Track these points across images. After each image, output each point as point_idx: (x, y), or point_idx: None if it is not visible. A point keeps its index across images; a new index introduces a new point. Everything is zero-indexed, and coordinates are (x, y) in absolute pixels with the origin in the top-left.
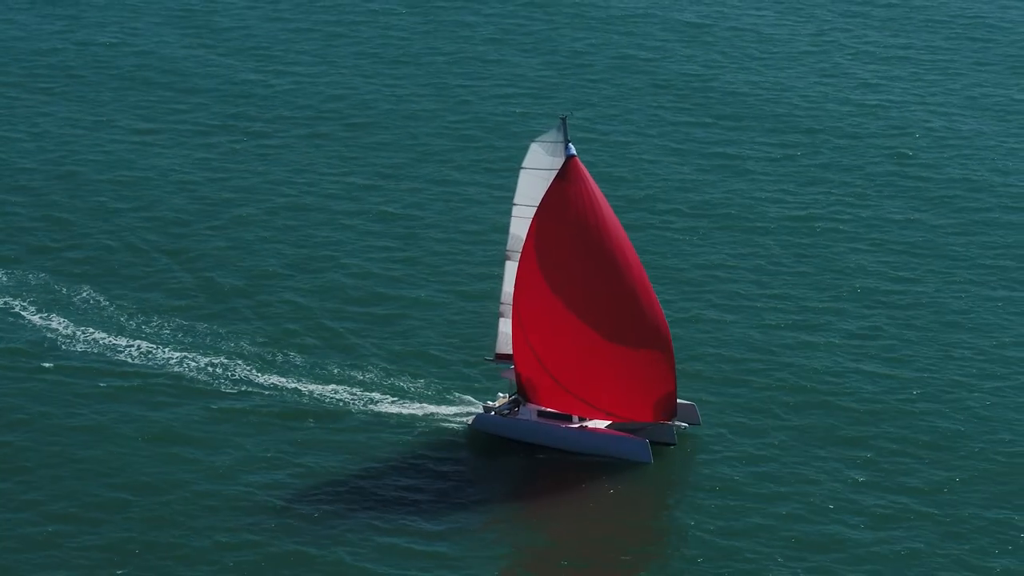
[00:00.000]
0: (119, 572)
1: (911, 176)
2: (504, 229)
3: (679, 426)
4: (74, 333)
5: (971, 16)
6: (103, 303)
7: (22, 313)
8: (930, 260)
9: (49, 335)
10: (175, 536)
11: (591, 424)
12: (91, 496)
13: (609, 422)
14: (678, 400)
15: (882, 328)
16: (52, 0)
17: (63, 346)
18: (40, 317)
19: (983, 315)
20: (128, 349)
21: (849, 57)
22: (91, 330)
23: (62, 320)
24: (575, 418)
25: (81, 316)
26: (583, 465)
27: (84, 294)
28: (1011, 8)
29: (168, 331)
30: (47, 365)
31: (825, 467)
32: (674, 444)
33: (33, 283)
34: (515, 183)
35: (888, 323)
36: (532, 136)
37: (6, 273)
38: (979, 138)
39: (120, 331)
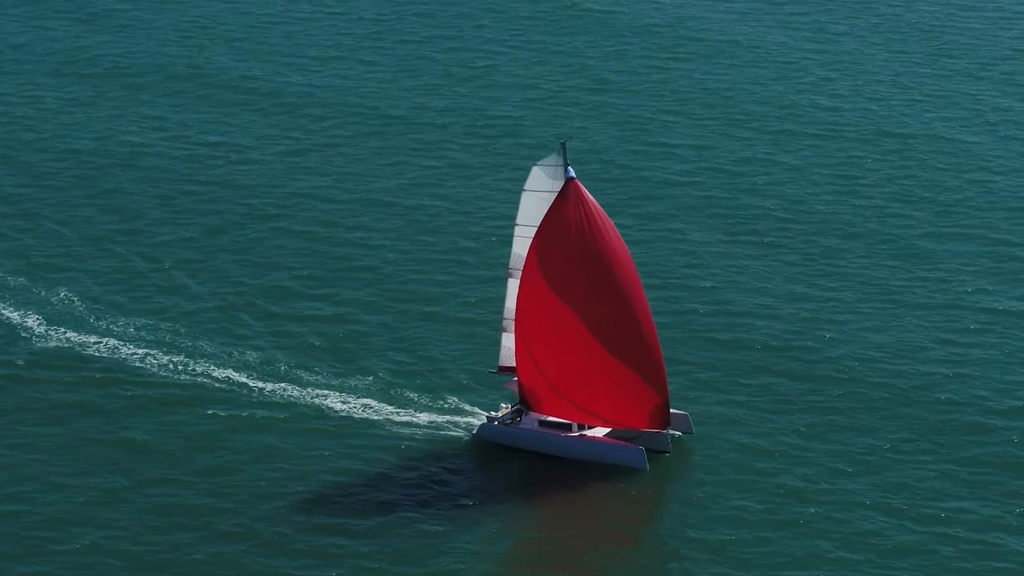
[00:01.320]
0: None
1: (906, 174)
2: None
3: (673, 434)
4: (47, 332)
5: (957, 27)
6: (77, 303)
7: (3, 312)
8: (928, 271)
9: (23, 334)
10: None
11: (590, 432)
12: (47, 496)
13: (607, 430)
14: (672, 410)
15: (873, 339)
16: (58, 8)
17: (37, 345)
18: (17, 315)
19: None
20: (107, 349)
21: (842, 69)
22: (63, 330)
23: (37, 318)
24: (575, 427)
25: (56, 316)
26: (582, 471)
27: (61, 294)
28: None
29: (165, 337)
30: (19, 362)
31: (818, 471)
32: (669, 452)
33: (12, 285)
34: (517, 205)
35: (881, 330)
36: (534, 159)
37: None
38: (964, 146)
39: (111, 336)
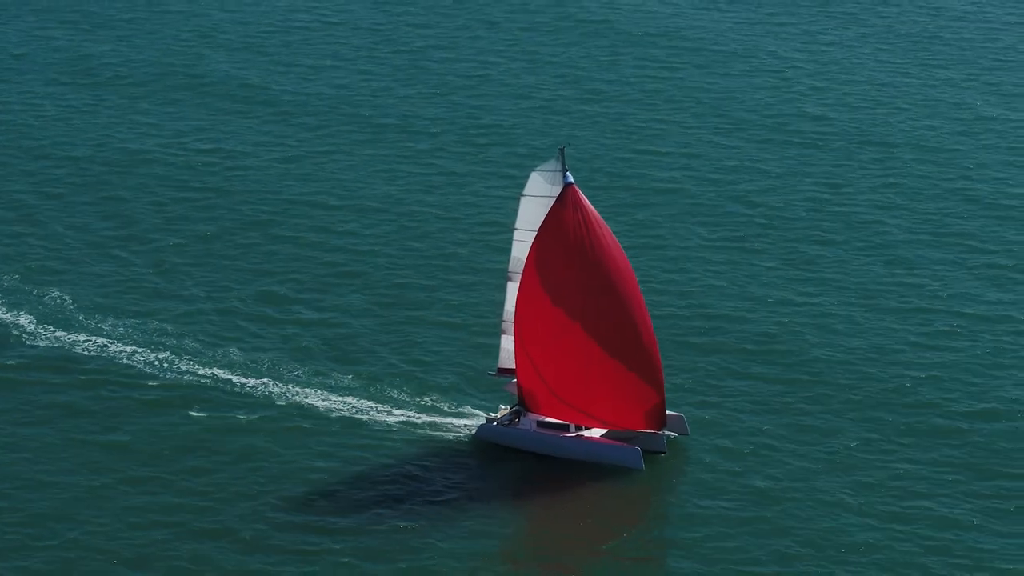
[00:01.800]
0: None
1: (889, 182)
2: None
3: (669, 435)
4: (38, 334)
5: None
6: (70, 306)
7: None
8: (922, 280)
9: (15, 334)
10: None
11: (587, 433)
12: (29, 494)
13: (604, 431)
14: (668, 411)
15: (847, 343)
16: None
17: (28, 347)
18: (10, 317)
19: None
20: (96, 349)
21: (834, 74)
22: (55, 331)
23: (29, 318)
24: (572, 427)
25: (49, 319)
26: (579, 471)
27: (55, 298)
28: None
29: (153, 339)
30: (10, 363)
31: (789, 471)
32: (664, 452)
33: (8, 287)
34: (516, 210)
35: (855, 334)
36: (525, 167)
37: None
38: (956, 149)
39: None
